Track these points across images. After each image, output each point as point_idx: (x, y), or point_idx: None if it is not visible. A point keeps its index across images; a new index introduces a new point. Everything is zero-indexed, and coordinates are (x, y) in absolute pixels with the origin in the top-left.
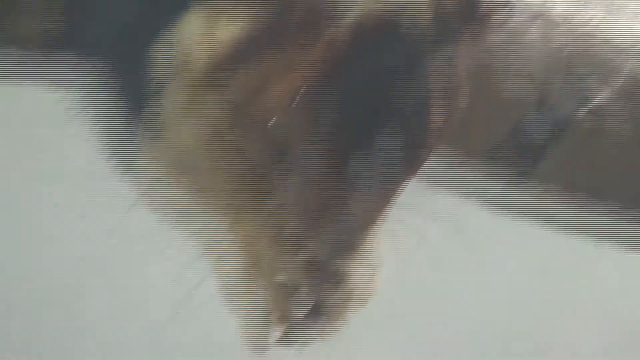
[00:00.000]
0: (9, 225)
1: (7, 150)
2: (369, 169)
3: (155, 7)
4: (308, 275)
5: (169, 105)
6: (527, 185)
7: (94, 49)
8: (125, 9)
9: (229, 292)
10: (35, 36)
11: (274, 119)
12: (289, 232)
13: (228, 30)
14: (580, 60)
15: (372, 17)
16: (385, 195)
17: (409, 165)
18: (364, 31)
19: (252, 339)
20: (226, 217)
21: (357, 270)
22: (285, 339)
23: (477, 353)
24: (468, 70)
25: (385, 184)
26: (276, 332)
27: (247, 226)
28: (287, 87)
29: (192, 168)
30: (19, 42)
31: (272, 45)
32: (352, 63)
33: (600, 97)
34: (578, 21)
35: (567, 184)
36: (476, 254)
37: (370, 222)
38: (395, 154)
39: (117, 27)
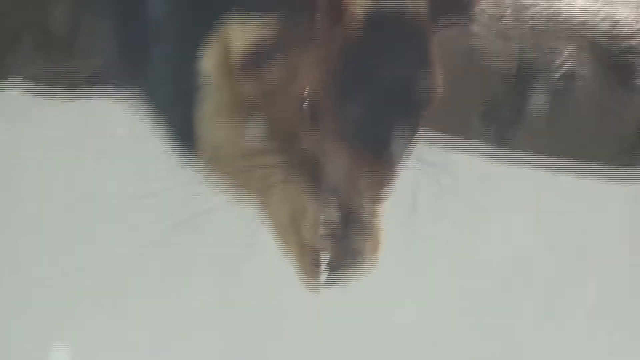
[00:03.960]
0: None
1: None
2: (380, 136)
3: (199, 13)
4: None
5: (213, 99)
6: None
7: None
8: (171, 20)
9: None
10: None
11: (306, 96)
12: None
13: (259, 29)
14: (548, 35)
15: (380, 7)
16: (398, 158)
17: (412, 133)
18: (375, 18)
19: (302, 278)
20: (251, 196)
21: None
22: (329, 280)
23: (482, 299)
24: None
25: (397, 149)
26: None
27: (271, 206)
28: (316, 72)
29: (230, 156)
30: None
31: (299, 38)
32: (368, 47)
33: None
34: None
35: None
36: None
37: (386, 182)
38: (403, 124)
39: (165, 38)
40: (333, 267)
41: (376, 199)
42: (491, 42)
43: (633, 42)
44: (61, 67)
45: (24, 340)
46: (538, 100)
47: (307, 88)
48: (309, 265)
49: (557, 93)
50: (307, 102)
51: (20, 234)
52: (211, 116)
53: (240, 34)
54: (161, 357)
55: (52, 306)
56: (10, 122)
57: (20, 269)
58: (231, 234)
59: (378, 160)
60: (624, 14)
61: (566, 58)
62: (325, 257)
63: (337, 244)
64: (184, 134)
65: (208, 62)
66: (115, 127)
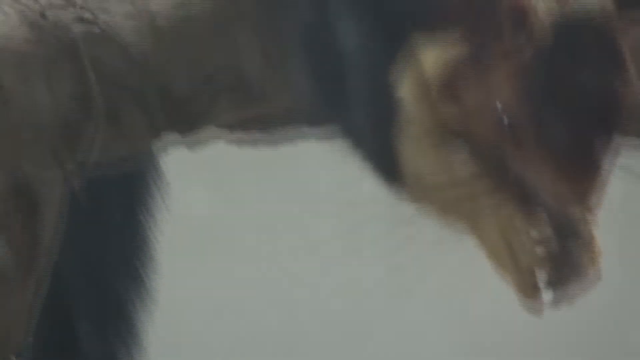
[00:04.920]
0: None
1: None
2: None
3: (388, 40)
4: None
5: (412, 126)
6: None
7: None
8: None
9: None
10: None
11: (503, 113)
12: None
13: (449, 49)
14: None
15: (567, 15)
16: (602, 166)
17: (614, 139)
18: (562, 29)
19: (524, 302)
20: (462, 223)
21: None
22: (555, 299)
23: None
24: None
25: (601, 156)
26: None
27: (483, 231)
28: (509, 86)
29: (436, 183)
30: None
31: (488, 53)
32: (559, 54)
33: None
34: None
35: None
36: None
37: (595, 191)
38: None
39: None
40: (554, 285)
41: (587, 210)
42: None
43: None
44: (254, 110)
45: None
46: None
47: (503, 104)
48: (530, 287)
49: None
50: (505, 118)
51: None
52: (412, 144)
53: (431, 56)
54: None
55: None
56: (218, 174)
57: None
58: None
59: (584, 170)
60: None
61: None
62: (543, 277)
63: (555, 260)
64: (386, 165)
65: (403, 88)
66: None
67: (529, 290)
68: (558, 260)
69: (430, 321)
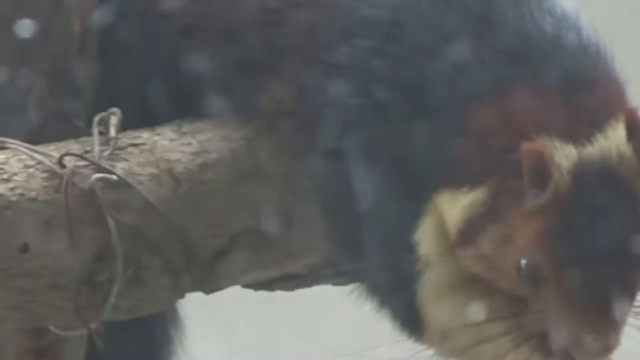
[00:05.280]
0: None
1: None
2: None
3: (410, 198)
4: None
5: (434, 277)
6: None
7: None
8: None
9: None
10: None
11: (524, 262)
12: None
13: (471, 198)
14: None
15: (587, 161)
16: (623, 316)
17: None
18: (583, 174)
19: None
20: None
21: None
22: None
23: None
24: None
25: (621, 308)
26: None
27: None
28: (531, 236)
29: (456, 334)
30: None
31: (511, 203)
32: (579, 204)
33: None
34: None
35: None
36: None
37: (614, 341)
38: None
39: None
40: None
41: (604, 353)
42: None
43: None
44: (276, 270)
45: None
46: None
47: (524, 252)
48: None
49: None
50: (526, 267)
51: None
52: (434, 294)
53: (453, 208)
54: None
55: None
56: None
57: None
58: None
59: (602, 321)
60: None
61: None
62: None
63: None
64: (410, 320)
65: (424, 240)
66: None
67: None
68: None
69: None
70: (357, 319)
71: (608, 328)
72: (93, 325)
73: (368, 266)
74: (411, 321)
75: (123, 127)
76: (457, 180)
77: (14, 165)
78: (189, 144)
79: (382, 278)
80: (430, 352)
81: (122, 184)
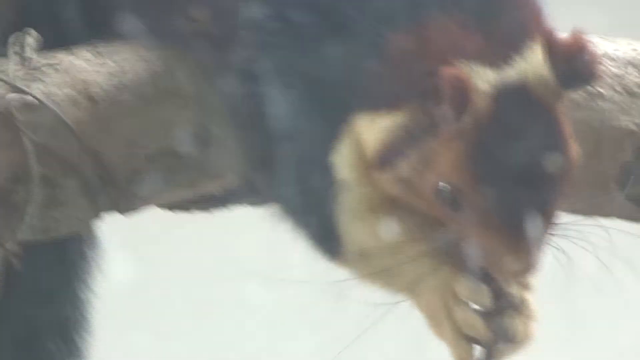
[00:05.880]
0: None
1: None
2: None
3: (326, 118)
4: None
5: (351, 198)
6: None
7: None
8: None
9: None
10: None
11: (443, 184)
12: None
13: (389, 121)
14: None
15: (505, 83)
16: (540, 236)
17: (554, 209)
18: (500, 96)
19: None
20: (404, 291)
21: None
22: None
23: None
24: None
25: (539, 226)
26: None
27: (423, 296)
28: (449, 157)
29: (374, 255)
30: None
31: (429, 126)
32: (498, 126)
33: None
34: None
35: None
36: None
37: (533, 260)
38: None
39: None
40: (488, 351)
41: (525, 279)
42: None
43: None
44: (192, 190)
45: None
46: None
47: (443, 175)
48: (464, 351)
49: None
50: (444, 188)
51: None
52: (352, 216)
53: (370, 131)
54: None
55: None
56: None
57: None
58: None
59: (521, 240)
60: None
61: None
62: (479, 341)
63: (490, 327)
64: (326, 239)
65: (341, 162)
66: None
67: (462, 354)
68: (493, 328)
69: None
70: (271, 239)
71: (527, 248)
72: (9, 246)
73: (283, 186)
74: (327, 240)
75: (39, 48)
76: (375, 104)
77: None
78: (105, 64)
79: (298, 198)
80: (345, 272)
81: (37, 105)
